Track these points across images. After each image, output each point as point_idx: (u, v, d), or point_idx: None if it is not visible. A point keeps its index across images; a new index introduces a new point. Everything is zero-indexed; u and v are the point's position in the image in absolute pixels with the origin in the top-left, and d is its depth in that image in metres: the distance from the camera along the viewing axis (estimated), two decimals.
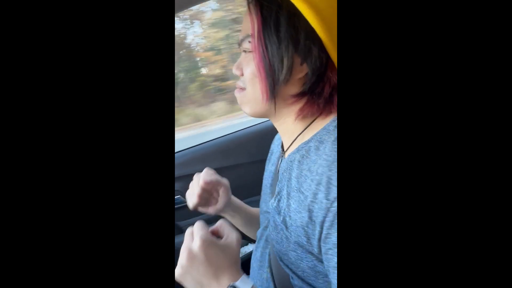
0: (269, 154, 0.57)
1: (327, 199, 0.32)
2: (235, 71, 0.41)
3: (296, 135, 0.41)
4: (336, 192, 0.31)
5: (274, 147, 0.56)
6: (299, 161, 0.39)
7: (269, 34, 0.36)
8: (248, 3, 0.38)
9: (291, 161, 0.41)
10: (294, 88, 0.38)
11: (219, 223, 0.40)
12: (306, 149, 0.39)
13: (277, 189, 0.43)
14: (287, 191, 0.40)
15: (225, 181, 0.51)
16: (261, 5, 0.36)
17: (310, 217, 0.34)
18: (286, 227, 0.38)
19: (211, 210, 0.51)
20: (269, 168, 0.53)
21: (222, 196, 0.51)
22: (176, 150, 1.01)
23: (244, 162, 1.01)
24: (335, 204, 0.31)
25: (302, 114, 0.39)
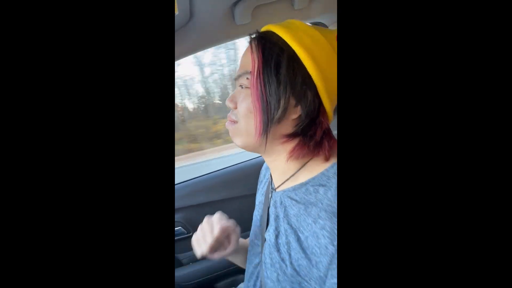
0: (258, 184, 0.57)
1: (333, 245, 0.32)
2: (229, 104, 0.42)
3: (290, 175, 0.42)
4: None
5: (262, 176, 0.56)
6: (296, 201, 0.40)
7: (269, 74, 0.37)
8: (250, 42, 0.40)
9: (287, 198, 0.41)
10: (286, 128, 0.39)
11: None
12: (304, 191, 0.39)
13: (273, 224, 0.42)
14: (284, 227, 0.40)
15: (237, 229, 0.50)
16: (264, 46, 0.38)
17: (310, 260, 0.34)
18: (286, 265, 0.38)
19: (216, 255, 0.50)
20: (259, 198, 0.52)
21: (232, 244, 0.50)
22: (177, 181, 1.02)
23: (246, 194, 1.01)
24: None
25: (294, 155, 0.40)
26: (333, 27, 0.80)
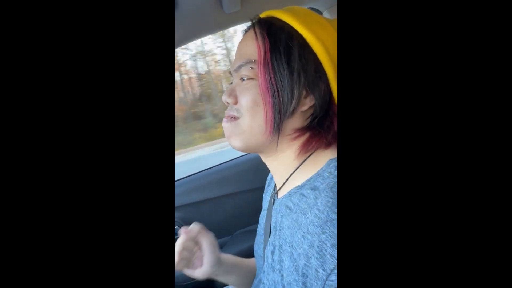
0: (265, 186, 0.52)
1: (323, 269, 0.27)
2: (227, 99, 0.37)
3: (288, 175, 0.37)
4: (334, 262, 0.27)
5: (270, 178, 0.52)
6: (290, 209, 0.35)
7: (279, 62, 0.34)
8: (253, 27, 0.36)
9: (284, 206, 0.36)
10: (298, 121, 0.36)
11: None
12: (298, 196, 0.34)
13: (272, 238, 0.38)
14: (279, 242, 0.35)
15: (209, 236, 0.45)
16: (270, 31, 0.35)
17: (305, 284, 0.29)
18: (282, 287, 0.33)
19: (197, 273, 0.44)
20: (264, 205, 0.48)
21: (207, 256, 0.44)
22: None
23: (242, 190, 1.00)
24: (334, 277, 0.26)
25: (306, 149, 0.36)
26: (327, 12, 0.78)
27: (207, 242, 0.44)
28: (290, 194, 0.36)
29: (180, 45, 0.65)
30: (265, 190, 0.52)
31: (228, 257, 0.49)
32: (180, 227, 0.95)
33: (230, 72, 0.40)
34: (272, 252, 0.36)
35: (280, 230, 0.36)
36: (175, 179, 1.00)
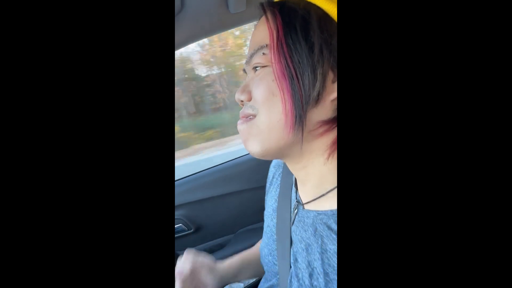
0: (267, 186, 0.45)
1: None
2: (240, 96, 0.31)
3: (327, 189, 0.30)
4: None
5: (271, 176, 0.45)
6: (336, 233, 0.28)
7: (295, 40, 0.27)
8: (265, 11, 0.30)
9: (324, 225, 0.30)
10: (324, 112, 0.29)
11: None
12: None
13: (304, 255, 0.31)
14: (323, 268, 0.29)
15: (198, 261, 0.41)
16: (282, 10, 0.29)
17: None
18: None
19: None
20: (270, 204, 0.42)
21: (205, 280, 0.41)
22: (176, 178, 1.01)
23: (246, 188, 1.00)
24: None
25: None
26: None
27: (206, 268, 0.41)
28: (334, 213, 0.29)
29: (184, 45, 0.66)
30: (267, 191, 0.45)
31: (228, 264, 0.47)
32: (183, 225, 0.96)
33: (244, 70, 0.34)
34: (311, 275, 0.30)
35: (322, 253, 0.29)
36: (180, 177, 1.01)
